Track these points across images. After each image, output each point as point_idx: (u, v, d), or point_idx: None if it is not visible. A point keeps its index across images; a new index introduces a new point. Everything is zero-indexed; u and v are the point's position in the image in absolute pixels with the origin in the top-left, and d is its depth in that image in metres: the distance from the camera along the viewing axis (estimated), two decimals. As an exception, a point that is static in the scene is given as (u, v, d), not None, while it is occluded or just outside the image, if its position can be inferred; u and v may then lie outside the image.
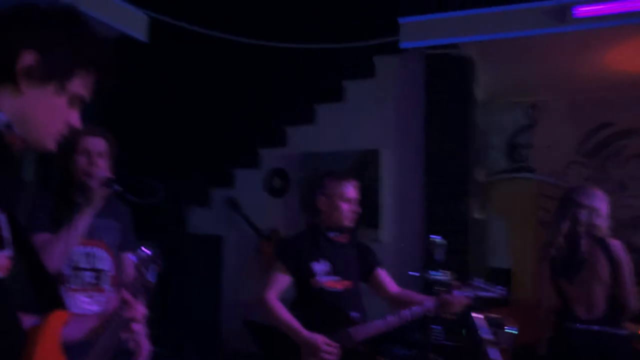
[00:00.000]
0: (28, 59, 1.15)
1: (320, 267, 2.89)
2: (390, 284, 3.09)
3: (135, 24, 4.65)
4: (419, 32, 4.69)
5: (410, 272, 4.10)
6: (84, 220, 2.25)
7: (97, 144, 2.40)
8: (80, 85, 1.23)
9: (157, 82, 5.81)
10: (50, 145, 1.23)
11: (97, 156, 2.37)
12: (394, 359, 3.84)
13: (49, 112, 1.19)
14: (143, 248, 1.60)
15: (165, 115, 5.82)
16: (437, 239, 3.49)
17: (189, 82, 5.82)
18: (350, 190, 2.98)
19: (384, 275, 3.09)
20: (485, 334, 3.42)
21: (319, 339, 2.73)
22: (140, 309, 1.47)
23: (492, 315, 3.52)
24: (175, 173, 5.64)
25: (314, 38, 5.38)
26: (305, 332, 2.76)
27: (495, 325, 3.50)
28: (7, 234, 1.16)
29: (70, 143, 2.33)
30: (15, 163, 1.24)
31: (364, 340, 2.81)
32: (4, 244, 1.15)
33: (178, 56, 5.70)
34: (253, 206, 5.43)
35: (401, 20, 4.74)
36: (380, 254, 3.23)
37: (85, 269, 2.37)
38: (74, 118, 1.24)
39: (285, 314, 2.82)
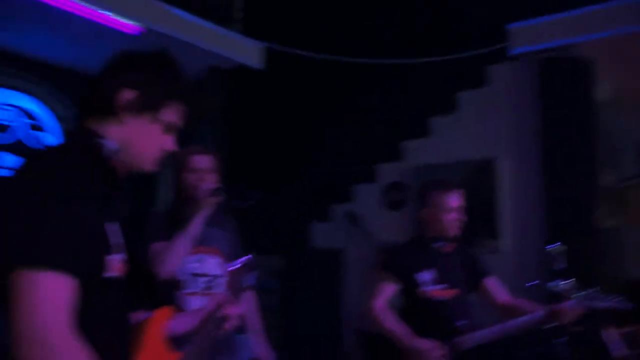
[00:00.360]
0: (127, 95, 1.38)
1: (425, 276, 2.92)
2: (499, 293, 3.03)
3: (251, 54, 4.99)
4: (530, 36, 4.55)
5: (528, 283, 3.97)
6: (195, 227, 2.41)
7: (204, 161, 2.59)
8: (171, 115, 1.44)
9: (276, 105, 6.16)
10: (148, 167, 1.44)
11: (205, 172, 2.55)
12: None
13: (145, 138, 1.41)
14: (243, 257, 1.79)
15: (285, 137, 6.15)
16: (554, 247, 3.37)
17: (305, 103, 6.11)
18: (454, 199, 2.99)
19: (492, 284, 3.05)
20: (617, 350, 3.23)
21: (430, 344, 2.75)
22: (235, 310, 1.64)
23: (626, 330, 3.31)
24: (297, 191, 5.93)
25: (425, 52, 5.43)
26: (415, 339, 2.79)
27: (629, 342, 3.29)
28: (120, 240, 1.37)
29: (180, 162, 2.56)
30: (121, 183, 1.46)
31: (472, 349, 2.79)
32: (119, 249, 1.35)
33: (294, 80, 6.01)
34: (371, 220, 5.54)
35: (510, 26, 4.65)
36: (500, 264, 3.18)
37: (199, 275, 2.53)
38: (168, 143, 1.45)
39: (394, 322, 2.87)
